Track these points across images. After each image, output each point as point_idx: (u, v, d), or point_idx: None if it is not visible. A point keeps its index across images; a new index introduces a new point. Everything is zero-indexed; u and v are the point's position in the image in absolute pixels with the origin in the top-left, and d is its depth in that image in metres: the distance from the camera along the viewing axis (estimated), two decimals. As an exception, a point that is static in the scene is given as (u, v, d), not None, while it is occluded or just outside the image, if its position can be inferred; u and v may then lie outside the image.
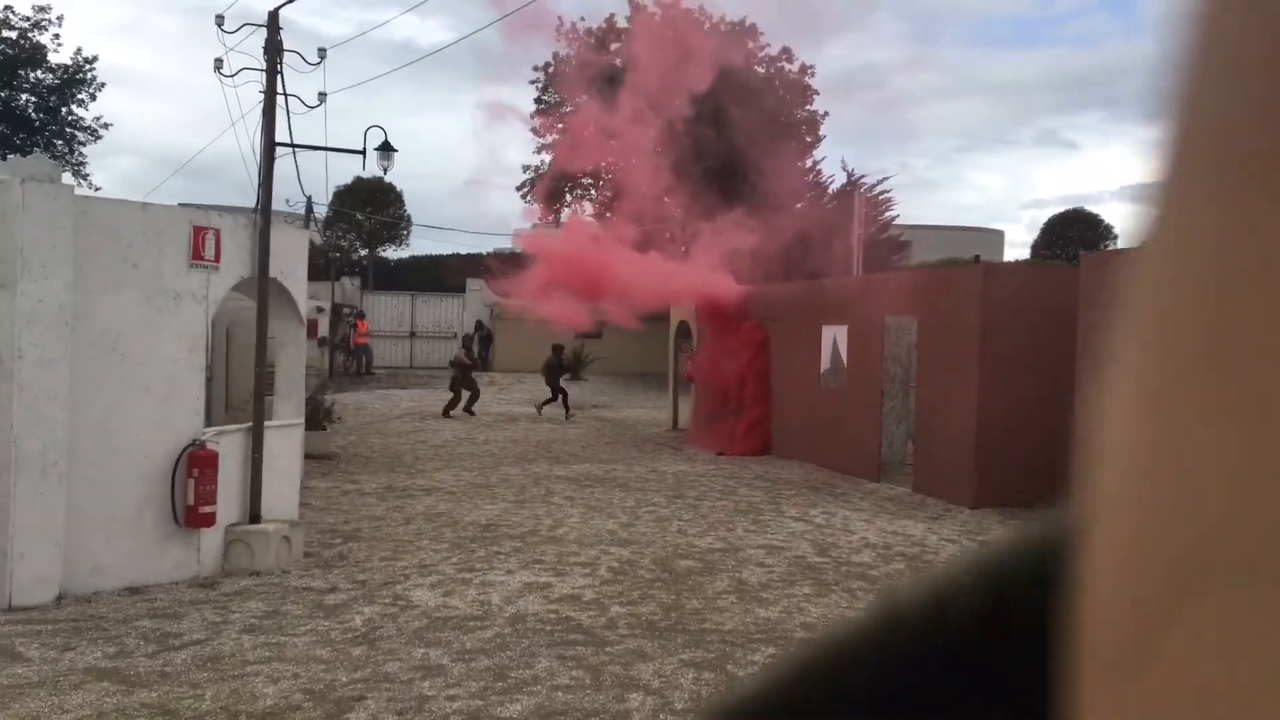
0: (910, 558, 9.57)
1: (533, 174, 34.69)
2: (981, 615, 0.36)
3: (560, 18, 33.70)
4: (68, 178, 10.33)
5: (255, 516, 8.86)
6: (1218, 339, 0.18)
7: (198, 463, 8.16)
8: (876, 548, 9.85)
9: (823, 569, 8.94)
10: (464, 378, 22.00)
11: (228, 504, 8.64)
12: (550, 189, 32.33)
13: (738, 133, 23.26)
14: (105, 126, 32.65)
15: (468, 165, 37.42)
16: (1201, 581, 0.18)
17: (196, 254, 8.27)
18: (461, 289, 34.32)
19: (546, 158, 34.76)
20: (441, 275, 35.52)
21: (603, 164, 26.76)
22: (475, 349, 22.96)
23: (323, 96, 10.43)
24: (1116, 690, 0.19)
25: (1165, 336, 0.19)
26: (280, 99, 9.46)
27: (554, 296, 18.66)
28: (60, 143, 31.80)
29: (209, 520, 8.29)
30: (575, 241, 19.35)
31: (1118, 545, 0.20)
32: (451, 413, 21.49)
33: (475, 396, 22.11)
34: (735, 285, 17.93)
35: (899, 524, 11.04)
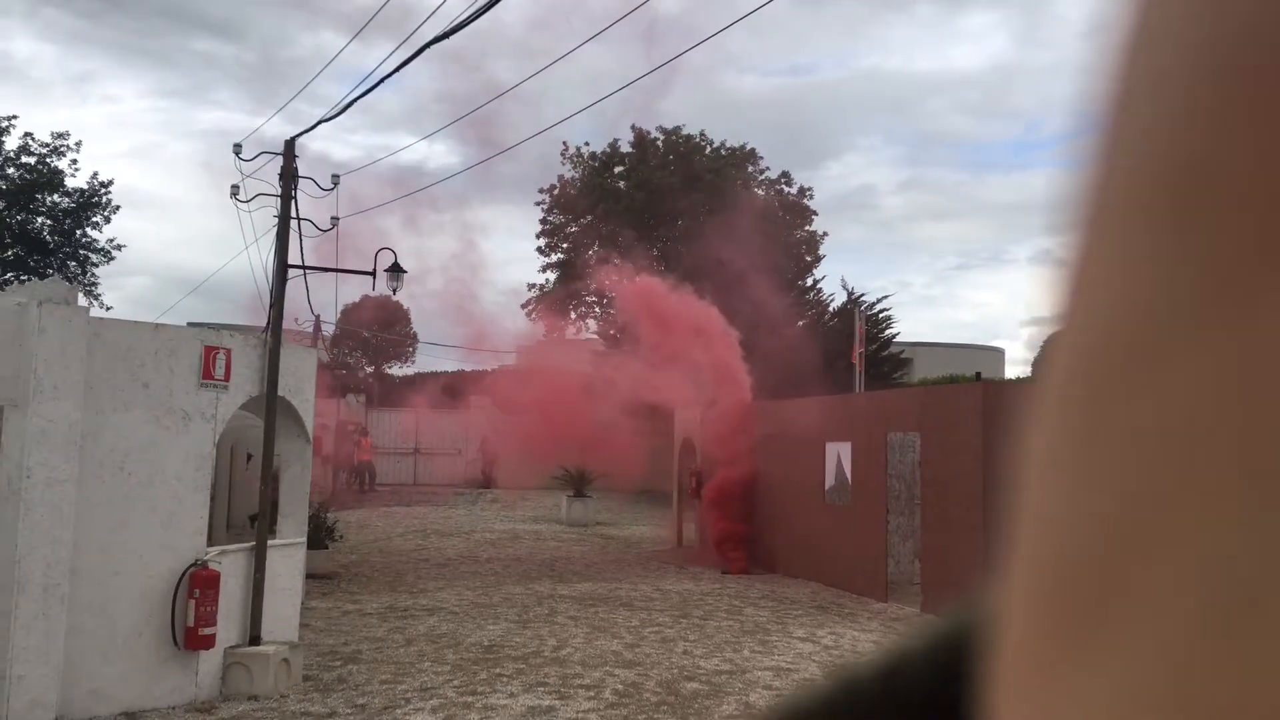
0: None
1: (537, 292, 35.22)
2: (932, 681, 0.40)
3: (565, 143, 34.78)
4: (81, 299, 10.53)
5: (255, 638, 8.75)
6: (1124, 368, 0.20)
7: (199, 583, 8.11)
8: (885, 669, 9.67)
9: (831, 692, 8.76)
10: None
11: (227, 625, 8.54)
12: (554, 307, 32.78)
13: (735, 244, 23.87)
14: (118, 248, 33.24)
15: (477, 282, 37.83)
16: (1112, 592, 0.19)
17: (207, 373, 8.38)
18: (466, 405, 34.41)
19: (551, 276, 35.34)
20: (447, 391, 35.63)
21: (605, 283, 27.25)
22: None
23: (335, 220, 10.70)
24: (1029, 698, 0.20)
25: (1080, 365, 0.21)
26: (293, 222, 9.71)
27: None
28: (74, 264, 32.33)
29: (209, 642, 8.19)
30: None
31: (1036, 558, 0.21)
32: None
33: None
34: (746, 384, 18.43)
35: (908, 645, 10.85)
